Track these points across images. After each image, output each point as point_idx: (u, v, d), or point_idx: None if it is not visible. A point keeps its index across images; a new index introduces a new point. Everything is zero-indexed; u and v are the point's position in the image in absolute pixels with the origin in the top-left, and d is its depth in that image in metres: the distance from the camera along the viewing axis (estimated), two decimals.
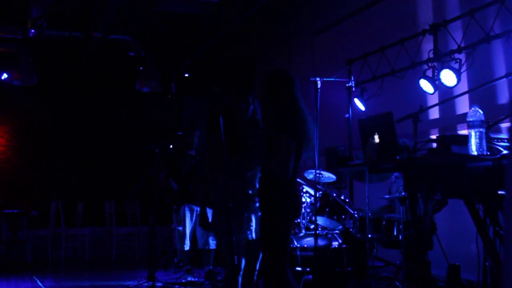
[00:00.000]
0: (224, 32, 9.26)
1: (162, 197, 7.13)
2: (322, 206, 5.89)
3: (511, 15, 5.17)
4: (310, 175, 5.72)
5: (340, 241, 5.79)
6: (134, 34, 9.59)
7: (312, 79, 5.58)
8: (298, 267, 5.54)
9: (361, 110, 6.96)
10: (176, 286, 6.64)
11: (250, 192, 3.90)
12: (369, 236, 5.38)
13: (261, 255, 3.85)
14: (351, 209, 5.87)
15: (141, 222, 10.44)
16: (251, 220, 3.89)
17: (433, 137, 4.56)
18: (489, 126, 3.46)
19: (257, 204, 3.89)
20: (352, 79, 7.15)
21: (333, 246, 5.74)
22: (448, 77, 5.64)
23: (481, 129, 3.34)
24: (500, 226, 3.63)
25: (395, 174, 5.70)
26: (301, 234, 5.82)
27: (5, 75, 9.32)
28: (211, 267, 6.87)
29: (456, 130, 6.12)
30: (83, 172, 10.77)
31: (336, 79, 6.29)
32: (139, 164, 9.29)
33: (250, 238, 3.88)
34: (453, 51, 5.73)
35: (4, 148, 10.54)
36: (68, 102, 10.85)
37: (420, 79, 5.98)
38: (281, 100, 3.71)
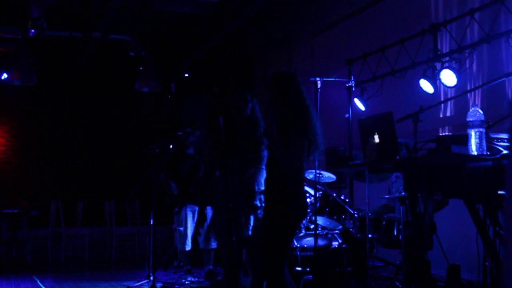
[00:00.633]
0: (224, 32, 9.26)
1: (163, 198, 7.13)
2: (322, 206, 5.89)
3: (511, 15, 5.18)
4: (310, 175, 5.72)
5: (340, 241, 5.79)
6: (134, 34, 9.58)
7: (312, 79, 5.59)
8: (298, 267, 5.54)
9: (361, 110, 6.96)
10: (176, 286, 6.64)
11: (250, 190, 3.89)
12: (369, 236, 5.38)
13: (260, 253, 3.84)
14: (351, 209, 5.87)
15: (141, 222, 10.44)
16: (249, 219, 3.89)
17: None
18: (489, 126, 3.46)
19: (258, 202, 3.88)
20: (352, 79, 7.15)
21: (333, 246, 5.74)
22: (448, 77, 5.64)
23: (481, 129, 3.34)
24: (500, 226, 3.63)
25: (396, 174, 5.70)
26: (301, 234, 5.82)
27: (5, 75, 9.31)
28: (211, 267, 6.87)
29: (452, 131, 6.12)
30: (83, 172, 10.77)
31: (336, 79, 6.29)
32: (139, 164, 9.30)
33: (246, 236, 3.88)
34: (453, 51, 5.73)
35: (4, 148, 10.54)
36: (68, 102, 10.85)
37: (420, 79, 5.98)
38: (292, 99, 3.75)
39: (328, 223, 6.02)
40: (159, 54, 10.19)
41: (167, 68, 10.48)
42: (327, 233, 5.87)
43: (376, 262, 5.88)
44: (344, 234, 5.90)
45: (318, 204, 5.71)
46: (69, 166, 10.72)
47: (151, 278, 6.26)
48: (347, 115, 7.22)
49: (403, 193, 4.90)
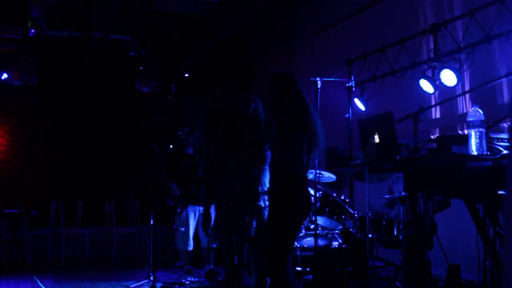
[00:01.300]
0: (224, 32, 9.26)
1: (163, 198, 7.13)
2: (322, 206, 5.89)
3: (511, 15, 5.17)
4: (310, 175, 5.71)
5: (340, 241, 5.79)
6: (134, 34, 9.58)
7: (312, 79, 5.59)
8: (298, 267, 5.54)
9: (361, 110, 6.96)
10: (176, 286, 6.64)
11: (254, 190, 3.89)
12: (369, 236, 5.38)
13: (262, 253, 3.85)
14: (351, 209, 5.87)
15: (141, 222, 10.43)
16: (253, 220, 3.89)
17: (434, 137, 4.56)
18: (489, 126, 3.46)
19: (262, 203, 3.88)
20: (352, 79, 7.15)
21: (333, 246, 5.74)
22: (448, 77, 5.64)
23: (481, 129, 3.34)
24: (500, 226, 3.63)
25: (396, 174, 5.70)
26: (301, 234, 5.82)
27: (5, 75, 9.31)
28: (211, 267, 6.87)
29: (456, 130, 6.13)
30: (83, 172, 10.77)
31: (336, 79, 6.29)
32: (139, 164, 9.29)
33: (249, 236, 3.88)
34: (453, 51, 5.73)
35: (4, 148, 10.54)
36: (68, 102, 10.85)
37: (420, 79, 5.98)
38: (292, 97, 3.77)
39: (328, 223, 6.02)
40: (159, 54, 10.19)
41: (167, 68, 10.48)
42: (327, 233, 5.87)
43: (376, 262, 5.89)
44: (344, 234, 5.90)
45: (318, 204, 5.71)
46: (69, 166, 10.72)
47: (151, 278, 6.26)
48: (347, 115, 7.22)
49: (403, 193, 4.90)
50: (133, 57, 9.92)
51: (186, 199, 6.92)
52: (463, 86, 5.98)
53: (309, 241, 5.62)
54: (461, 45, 5.66)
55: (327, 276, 5.57)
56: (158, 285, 6.52)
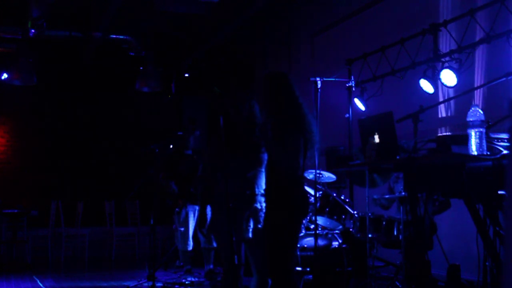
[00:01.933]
0: (224, 32, 9.26)
1: (163, 198, 7.13)
2: (322, 206, 5.88)
3: (511, 15, 5.17)
4: (310, 175, 5.72)
5: (340, 241, 5.78)
6: (134, 34, 9.58)
7: (312, 79, 5.58)
8: (298, 267, 5.54)
9: (361, 110, 6.96)
10: (176, 286, 6.64)
11: (250, 193, 3.90)
12: (369, 236, 5.37)
13: (259, 254, 3.84)
14: (351, 209, 5.87)
15: (141, 222, 10.44)
16: (249, 221, 3.89)
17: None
18: (489, 126, 3.45)
19: (258, 205, 3.88)
20: (352, 79, 7.15)
21: (333, 246, 5.74)
22: (448, 77, 5.64)
23: (481, 129, 3.34)
24: (500, 226, 3.63)
25: (396, 174, 5.70)
26: (301, 234, 5.81)
27: (5, 75, 9.31)
28: (211, 267, 6.87)
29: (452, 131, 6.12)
30: (83, 172, 10.76)
31: (336, 79, 6.29)
32: (139, 164, 9.29)
33: (247, 238, 3.88)
34: (453, 51, 5.73)
35: (4, 148, 10.54)
36: (68, 102, 10.85)
37: (420, 79, 5.98)
38: (287, 98, 3.76)
39: (328, 223, 6.02)
40: (159, 54, 10.19)
41: (167, 68, 10.48)
42: (327, 233, 5.87)
43: (376, 262, 5.88)
44: (344, 234, 5.90)
45: (318, 204, 5.71)
46: (69, 166, 10.71)
47: (152, 278, 6.25)
48: (347, 115, 7.22)
49: (403, 193, 4.90)
50: (133, 57, 9.92)
51: (185, 198, 6.92)
52: (462, 86, 5.97)
53: (309, 241, 5.61)
54: (461, 45, 5.66)
55: (327, 276, 5.57)
56: (158, 285, 6.52)
